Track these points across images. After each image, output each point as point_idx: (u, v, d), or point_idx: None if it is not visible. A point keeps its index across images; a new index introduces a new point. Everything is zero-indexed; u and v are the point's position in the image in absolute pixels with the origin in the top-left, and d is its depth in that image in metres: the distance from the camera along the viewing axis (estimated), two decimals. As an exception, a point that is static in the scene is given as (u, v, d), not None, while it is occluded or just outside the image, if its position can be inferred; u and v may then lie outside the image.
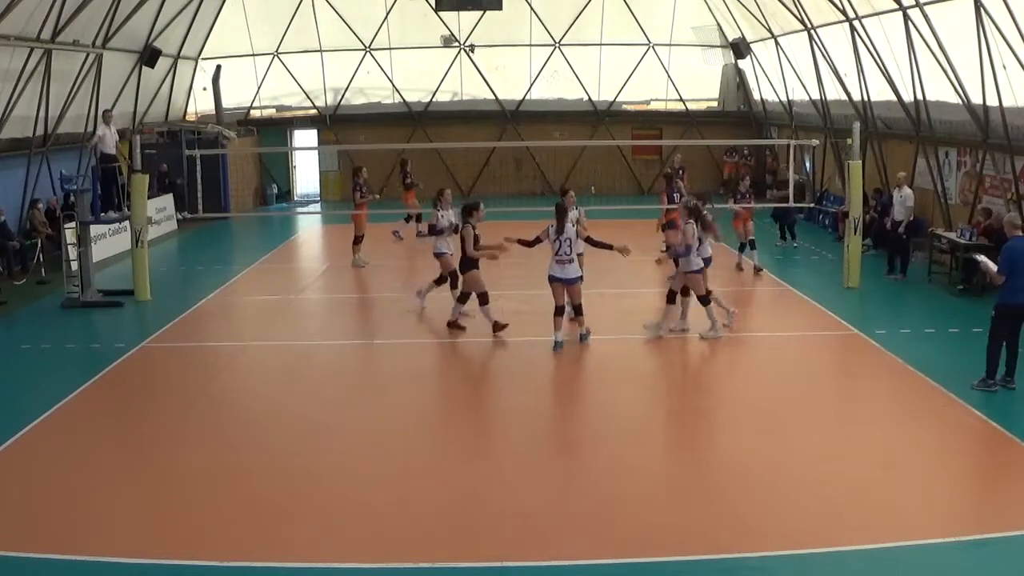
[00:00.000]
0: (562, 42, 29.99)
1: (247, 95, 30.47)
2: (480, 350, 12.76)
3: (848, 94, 21.60)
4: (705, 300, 12.86)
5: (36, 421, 9.87)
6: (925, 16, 16.32)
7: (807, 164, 25.94)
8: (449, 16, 28.90)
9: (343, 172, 30.81)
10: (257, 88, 30.47)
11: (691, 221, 12.83)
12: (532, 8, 29.31)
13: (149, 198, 17.93)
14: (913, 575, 6.75)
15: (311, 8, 29.15)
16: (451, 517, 7.67)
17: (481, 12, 28.15)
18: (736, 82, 30.59)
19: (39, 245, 18.50)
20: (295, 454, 9.11)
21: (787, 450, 9.15)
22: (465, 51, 29.98)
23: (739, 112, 30.58)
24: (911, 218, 17.22)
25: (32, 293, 16.72)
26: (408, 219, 21.72)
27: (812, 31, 22.30)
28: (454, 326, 13.49)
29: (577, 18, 29.59)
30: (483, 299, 13.01)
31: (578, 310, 12.70)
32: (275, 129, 30.57)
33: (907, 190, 17.41)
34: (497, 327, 12.96)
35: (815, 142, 19.79)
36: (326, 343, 13.60)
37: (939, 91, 17.41)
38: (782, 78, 26.16)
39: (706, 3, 29.18)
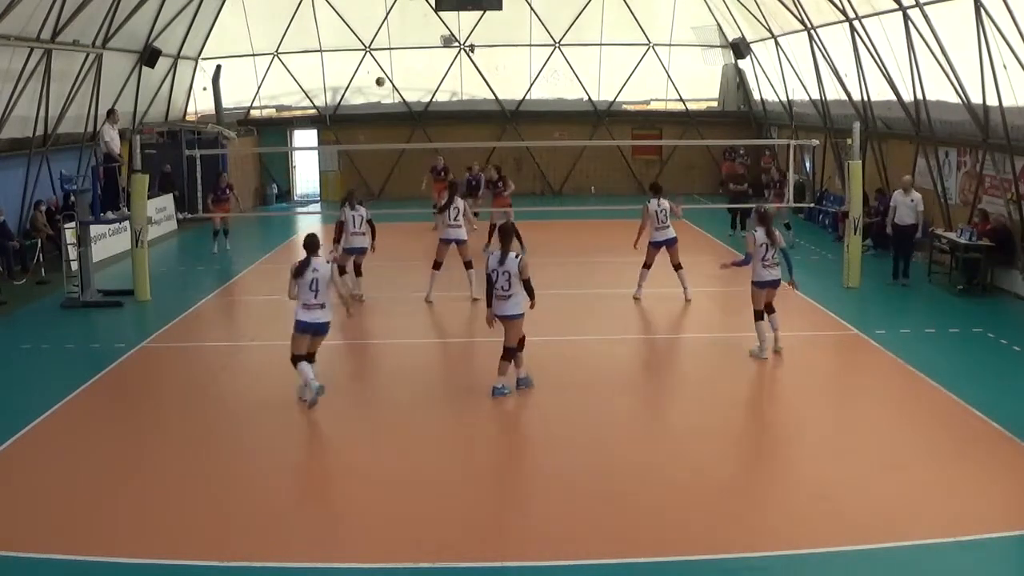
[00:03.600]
0: (562, 42, 29.99)
1: (247, 95, 30.47)
2: (480, 350, 12.75)
3: (848, 94, 21.60)
4: (756, 315, 12.05)
5: (36, 421, 9.87)
6: (925, 16, 16.32)
7: (807, 164, 25.95)
8: (449, 16, 28.90)
9: (343, 172, 30.85)
10: (257, 88, 30.48)
11: (758, 228, 11.87)
12: (532, 8, 29.31)
13: (150, 198, 17.93)
14: (913, 575, 6.76)
15: (311, 8, 29.15)
16: (451, 517, 7.66)
17: (481, 12, 28.14)
18: (736, 82, 30.59)
19: (39, 245, 18.49)
20: (295, 454, 9.11)
21: (787, 450, 9.16)
22: (465, 51, 29.97)
23: (739, 112, 30.59)
24: (917, 222, 16.53)
25: (32, 293, 16.71)
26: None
27: (812, 31, 22.31)
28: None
29: (577, 18, 29.60)
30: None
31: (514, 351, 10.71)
32: (275, 129, 30.57)
33: (916, 194, 16.63)
34: None
35: (815, 142, 19.79)
36: (325, 343, 13.58)
37: (939, 91, 17.41)
38: (782, 78, 26.16)
39: (706, 3, 29.18)
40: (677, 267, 15.15)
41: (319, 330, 10.27)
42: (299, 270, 10.11)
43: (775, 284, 11.97)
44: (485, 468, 8.78)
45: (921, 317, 14.44)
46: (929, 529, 7.29)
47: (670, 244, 15.06)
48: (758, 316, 12.01)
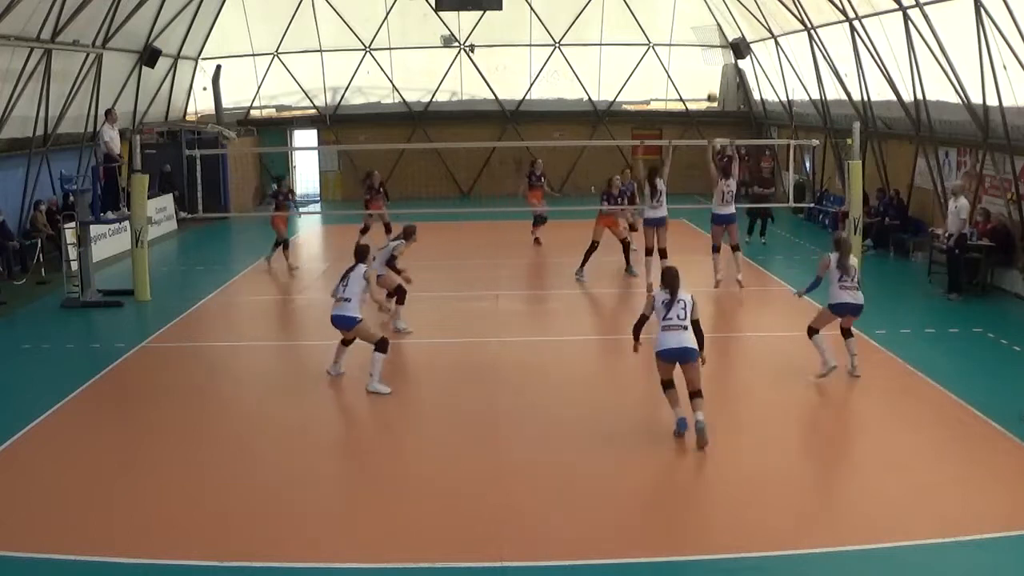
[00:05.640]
0: (562, 42, 29.98)
1: (247, 95, 30.46)
2: (480, 350, 12.75)
3: (848, 94, 21.60)
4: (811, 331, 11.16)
5: (36, 421, 9.87)
6: (925, 16, 16.32)
7: (807, 164, 25.95)
8: (449, 16, 28.90)
9: (343, 172, 30.86)
10: (257, 88, 30.47)
11: (834, 253, 11.05)
12: (532, 8, 29.31)
13: (149, 198, 17.94)
14: (913, 575, 6.76)
15: (311, 8, 29.14)
16: (450, 517, 7.66)
17: (481, 12, 28.15)
18: (736, 82, 30.59)
19: (39, 245, 18.49)
20: (295, 454, 9.10)
21: (786, 450, 9.15)
22: (465, 51, 29.98)
23: (739, 112, 30.58)
24: (964, 231, 15.66)
25: (32, 293, 16.71)
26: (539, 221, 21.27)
27: (812, 31, 22.30)
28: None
29: (577, 18, 29.59)
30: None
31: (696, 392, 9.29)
32: (275, 129, 30.56)
33: (963, 200, 15.77)
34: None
35: (815, 142, 19.77)
36: (325, 343, 13.58)
37: (939, 91, 17.41)
38: (782, 78, 26.16)
39: (706, 3, 29.18)
40: (735, 248, 15.75)
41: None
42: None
43: (855, 310, 11.01)
44: (485, 468, 8.76)
45: (921, 317, 14.44)
46: (929, 529, 7.29)
47: (730, 221, 15.63)
48: (811, 332, 11.12)
